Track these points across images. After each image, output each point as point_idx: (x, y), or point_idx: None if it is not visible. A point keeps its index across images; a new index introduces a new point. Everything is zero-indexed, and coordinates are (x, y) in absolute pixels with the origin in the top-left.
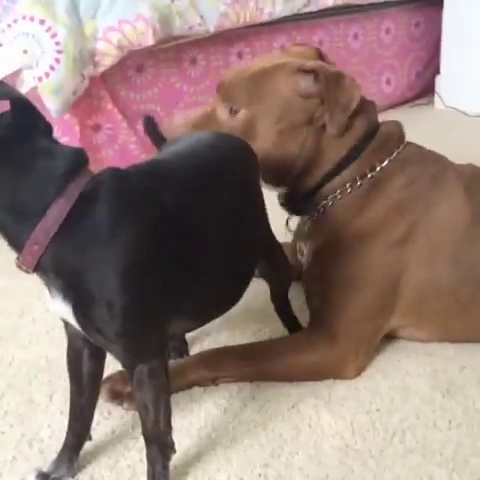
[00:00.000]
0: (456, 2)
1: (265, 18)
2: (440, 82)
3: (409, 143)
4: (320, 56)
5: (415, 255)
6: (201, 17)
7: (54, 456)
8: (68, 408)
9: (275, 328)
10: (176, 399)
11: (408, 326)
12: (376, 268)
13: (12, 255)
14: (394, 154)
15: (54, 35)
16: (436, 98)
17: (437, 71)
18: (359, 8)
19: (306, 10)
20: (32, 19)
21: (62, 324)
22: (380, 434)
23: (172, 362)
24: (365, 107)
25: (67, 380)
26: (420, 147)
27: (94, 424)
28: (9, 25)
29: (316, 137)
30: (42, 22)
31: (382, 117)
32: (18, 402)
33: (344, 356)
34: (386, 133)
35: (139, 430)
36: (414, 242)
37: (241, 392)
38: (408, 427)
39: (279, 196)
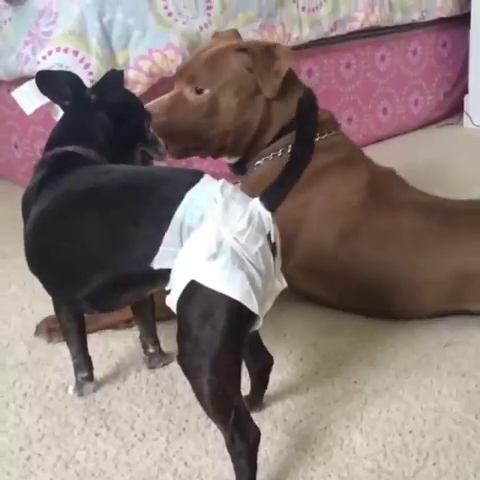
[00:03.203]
0: None
1: (292, 43)
2: (469, 101)
3: (340, 133)
4: (238, 34)
5: (311, 219)
6: None
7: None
8: (104, 429)
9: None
10: (208, 421)
11: (299, 279)
12: (281, 223)
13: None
14: (323, 137)
15: (87, 65)
16: (465, 117)
17: (465, 90)
18: (386, 30)
19: (333, 34)
20: (66, 51)
21: (99, 349)
22: (413, 456)
23: None
24: (303, 86)
25: (103, 403)
26: (347, 140)
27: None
28: (44, 57)
29: (266, 105)
30: (76, 53)
31: (411, 138)
32: (54, 425)
33: None
34: (321, 116)
35: None
36: (312, 209)
37: (272, 413)
38: (441, 449)
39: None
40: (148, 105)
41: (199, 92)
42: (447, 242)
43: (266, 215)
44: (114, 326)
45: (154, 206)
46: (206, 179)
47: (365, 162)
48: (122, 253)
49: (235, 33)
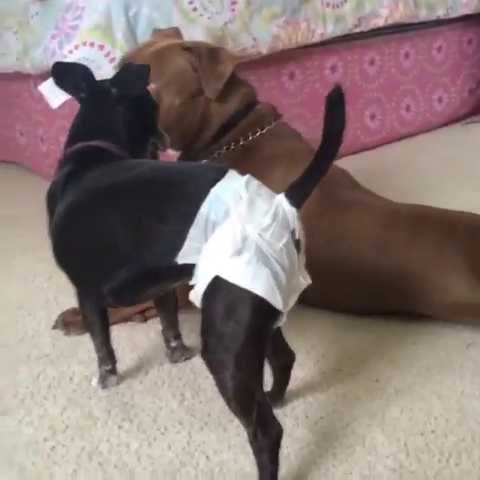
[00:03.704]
0: None
1: (317, 39)
2: None
3: (282, 123)
4: (179, 33)
5: None
6: (254, 39)
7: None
8: (127, 422)
9: None
10: (230, 416)
11: None
12: None
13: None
14: (265, 129)
15: (113, 60)
16: None
17: None
18: (410, 27)
19: (357, 30)
20: (92, 45)
21: (122, 342)
22: (435, 456)
23: None
24: (242, 86)
25: (126, 396)
26: (292, 131)
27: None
28: (71, 51)
29: (206, 105)
30: (101, 47)
31: (435, 135)
32: (78, 416)
33: None
34: (261, 110)
35: None
36: None
37: (294, 410)
38: (464, 449)
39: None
40: None
41: None
42: (389, 242)
43: (291, 211)
44: (128, 319)
45: (179, 201)
46: (231, 175)
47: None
48: (147, 248)
49: (176, 31)
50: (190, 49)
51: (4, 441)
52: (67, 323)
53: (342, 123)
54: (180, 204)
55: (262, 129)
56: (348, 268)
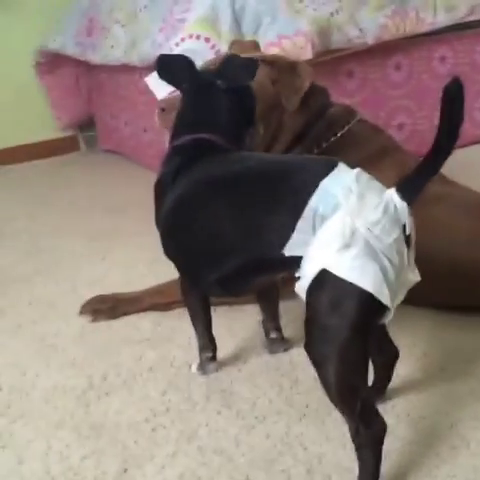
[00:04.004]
0: None
1: (426, 28)
2: None
3: (358, 122)
4: (257, 45)
5: None
6: (360, 30)
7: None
8: (225, 409)
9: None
10: (329, 409)
11: None
12: None
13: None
14: (338, 134)
15: (218, 52)
16: None
17: None
18: None
19: (469, 19)
20: (198, 37)
21: (222, 331)
22: None
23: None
24: (315, 92)
25: (224, 383)
26: (365, 127)
27: None
28: (177, 44)
29: (280, 115)
30: (207, 40)
31: None
32: (178, 400)
33: None
34: (332, 115)
35: None
36: None
37: (395, 407)
38: None
39: None
40: (160, 100)
41: None
42: None
43: (402, 206)
44: (153, 308)
45: (288, 194)
46: (341, 168)
47: (388, 155)
48: (256, 239)
49: (254, 44)
50: (269, 63)
51: (108, 419)
52: (95, 310)
53: (460, 118)
54: (289, 196)
55: (335, 135)
56: (440, 263)
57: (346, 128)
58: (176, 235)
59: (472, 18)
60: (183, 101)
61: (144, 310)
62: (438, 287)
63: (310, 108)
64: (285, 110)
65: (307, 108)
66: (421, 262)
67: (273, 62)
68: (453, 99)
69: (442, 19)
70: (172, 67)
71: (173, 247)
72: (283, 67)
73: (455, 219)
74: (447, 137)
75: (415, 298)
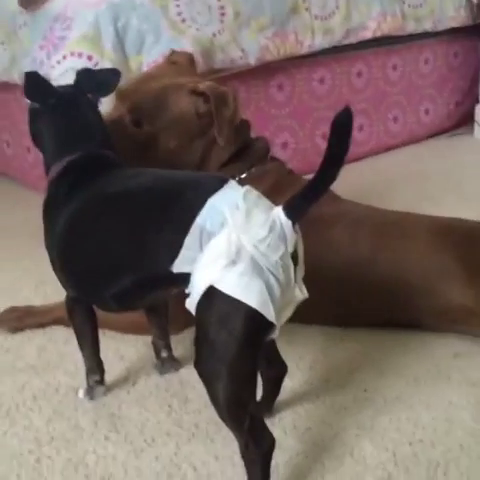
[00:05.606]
0: None
1: (305, 50)
2: (479, 111)
3: (271, 160)
4: (192, 61)
5: None
6: (242, 51)
7: None
8: (114, 433)
9: None
10: (218, 427)
11: None
12: None
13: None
14: (253, 169)
15: None
16: (475, 127)
17: (476, 100)
18: (398, 39)
19: (345, 42)
20: (80, 55)
21: (109, 353)
22: (423, 465)
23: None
24: (241, 124)
25: (112, 407)
26: (280, 166)
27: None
28: (59, 61)
29: (206, 147)
30: (90, 58)
31: (422, 147)
32: (64, 428)
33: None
34: (253, 150)
35: None
36: None
37: (282, 420)
38: (452, 459)
39: None
40: None
41: (137, 125)
42: (380, 252)
43: (288, 224)
44: (61, 321)
45: (177, 211)
46: (230, 185)
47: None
48: (147, 255)
49: (189, 58)
50: (198, 93)
51: None
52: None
53: (347, 145)
54: (177, 213)
55: (250, 168)
56: (340, 281)
57: (262, 164)
58: (69, 251)
59: (348, 41)
60: (48, 118)
61: (54, 322)
62: (346, 306)
63: (235, 142)
64: (214, 141)
65: (233, 141)
66: (326, 282)
67: (203, 93)
68: (342, 127)
69: (320, 42)
70: (37, 85)
71: (66, 262)
72: (215, 99)
73: (357, 237)
74: (333, 163)
75: (319, 317)
